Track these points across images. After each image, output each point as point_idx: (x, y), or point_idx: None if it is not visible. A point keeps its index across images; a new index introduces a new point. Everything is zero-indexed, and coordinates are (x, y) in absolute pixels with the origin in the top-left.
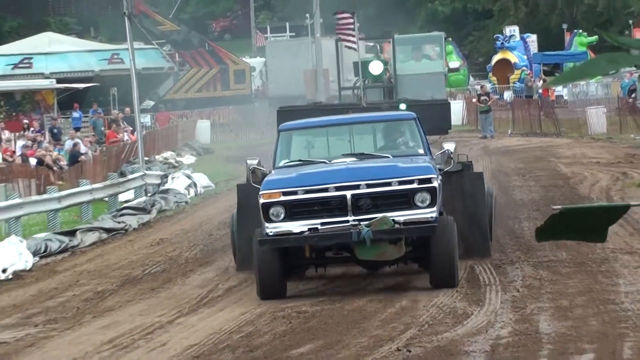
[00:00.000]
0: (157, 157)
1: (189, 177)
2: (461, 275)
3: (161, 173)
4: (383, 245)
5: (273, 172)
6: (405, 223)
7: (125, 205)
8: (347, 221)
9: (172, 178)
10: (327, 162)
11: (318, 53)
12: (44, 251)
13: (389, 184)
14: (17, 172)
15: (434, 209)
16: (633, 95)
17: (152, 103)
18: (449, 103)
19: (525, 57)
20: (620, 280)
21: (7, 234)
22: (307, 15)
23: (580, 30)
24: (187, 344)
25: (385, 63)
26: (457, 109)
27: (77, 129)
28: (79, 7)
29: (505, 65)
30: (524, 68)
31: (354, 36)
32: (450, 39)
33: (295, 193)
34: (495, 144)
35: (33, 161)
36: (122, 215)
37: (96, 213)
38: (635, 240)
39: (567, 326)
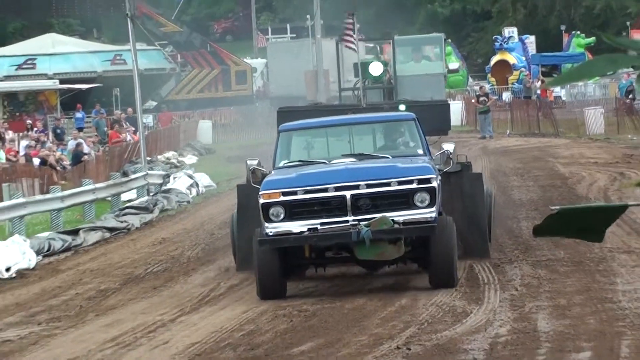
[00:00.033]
0: (159, 157)
1: (190, 176)
2: (460, 274)
3: (163, 173)
4: (382, 245)
5: (273, 172)
6: (404, 223)
7: (127, 204)
8: (347, 221)
9: (174, 178)
10: (327, 162)
11: (318, 54)
12: (47, 250)
13: (388, 184)
14: (20, 172)
15: (433, 209)
16: (630, 96)
17: (154, 103)
18: (449, 104)
19: (523, 58)
20: (617, 279)
21: (10, 233)
22: (308, 16)
23: (578, 32)
24: (189, 342)
25: (385, 64)
26: (456, 110)
27: (80, 129)
28: (82, 8)
29: (504, 66)
30: (523, 69)
31: (353, 37)
32: (450, 40)
33: (295, 193)
34: (494, 144)
35: (36, 161)
36: (124, 214)
37: (99, 212)
38: (632, 240)
39: (565, 324)
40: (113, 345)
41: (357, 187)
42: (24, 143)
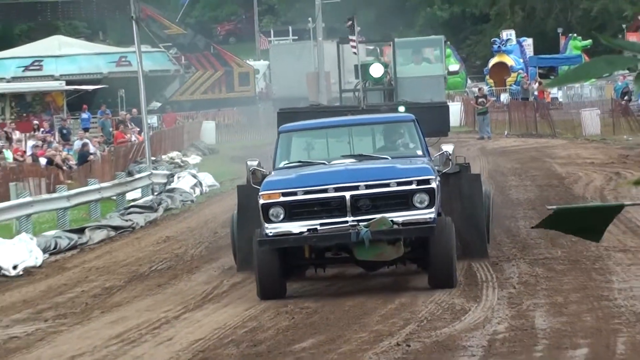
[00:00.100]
0: (163, 157)
1: (194, 176)
2: (459, 274)
3: (167, 172)
4: (382, 246)
5: (273, 173)
6: (403, 224)
7: (132, 203)
8: (346, 222)
9: (178, 177)
10: (327, 163)
11: (320, 56)
12: (54, 248)
13: (387, 185)
14: (27, 172)
15: (433, 209)
16: (626, 98)
17: (158, 104)
18: (448, 106)
19: (521, 60)
20: (613, 278)
21: (17, 231)
22: (310, 19)
23: (575, 34)
24: (192, 339)
25: (385, 66)
26: (455, 111)
27: (86, 130)
28: (87, 11)
29: (502, 68)
30: (520, 71)
31: (354, 40)
32: (449, 42)
33: (294, 194)
34: (492, 144)
35: (43, 161)
36: (129, 213)
37: (104, 211)
38: (628, 239)
39: (562, 322)
40: (118, 341)
41: (356, 187)
42: (30, 143)
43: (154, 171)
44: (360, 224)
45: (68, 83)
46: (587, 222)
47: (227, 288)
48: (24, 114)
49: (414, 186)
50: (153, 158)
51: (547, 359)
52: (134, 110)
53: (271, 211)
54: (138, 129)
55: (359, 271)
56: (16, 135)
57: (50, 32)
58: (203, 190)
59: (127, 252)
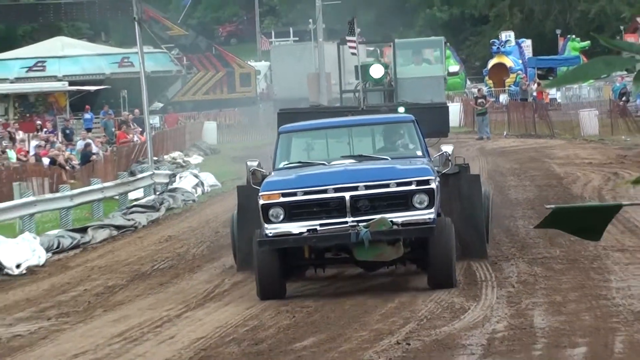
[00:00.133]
0: (165, 157)
1: (196, 176)
2: (458, 274)
3: (169, 172)
4: (381, 246)
5: (273, 173)
6: (403, 224)
7: (134, 203)
8: (346, 222)
9: (180, 177)
10: (326, 163)
11: (321, 57)
12: (57, 247)
13: (387, 186)
14: (30, 171)
15: (432, 210)
16: (624, 99)
17: (160, 105)
18: (447, 106)
19: (520, 61)
20: (611, 277)
21: (21, 230)
22: (310, 20)
23: (574, 36)
24: (194, 337)
25: (385, 67)
26: (455, 111)
27: (88, 130)
28: (90, 12)
29: (501, 69)
30: (519, 72)
31: (353, 41)
32: (449, 43)
33: (294, 194)
34: (491, 145)
35: (46, 161)
36: (131, 212)
37: (107, 211)
38: (626, 238)
39: (560, 321)
40: (120, 340)
41: (356, 188)
42: (34, 143)
43: (156, 171)
44: (359, 224)
45: (71, 84)
46: (587, 221)
47: (228, 287)
48: (27, 114)
49: (413, 187)
50: (155, 158)
51: (546, 357)
52: (136, 110)
53: (271, 212)
54: (140, 129)
55: (358, 271)
56: (19, 135)
57: (53, 33)
58: (205, 190)
59: (130, 251)
